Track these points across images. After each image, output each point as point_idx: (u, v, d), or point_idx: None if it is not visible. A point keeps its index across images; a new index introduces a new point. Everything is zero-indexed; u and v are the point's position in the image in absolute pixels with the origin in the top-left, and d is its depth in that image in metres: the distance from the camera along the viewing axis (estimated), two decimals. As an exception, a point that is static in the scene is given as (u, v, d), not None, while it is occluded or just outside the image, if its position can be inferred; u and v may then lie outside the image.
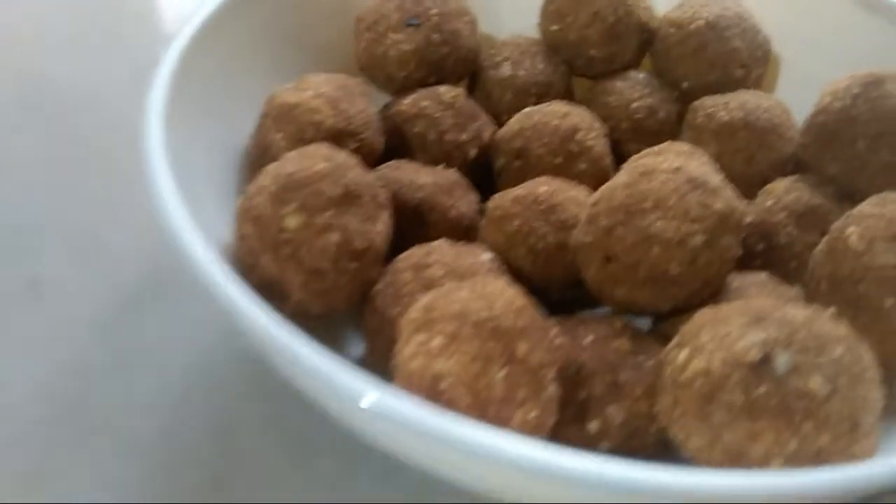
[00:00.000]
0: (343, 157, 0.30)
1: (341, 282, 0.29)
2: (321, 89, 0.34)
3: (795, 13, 0.42)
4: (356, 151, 0.34)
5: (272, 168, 0.29)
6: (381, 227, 0.30)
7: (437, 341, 0.24)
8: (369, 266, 0.30)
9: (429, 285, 0.29)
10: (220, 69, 0.36)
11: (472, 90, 0.44)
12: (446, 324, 0.24)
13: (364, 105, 0.36)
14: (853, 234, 0.28)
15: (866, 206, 0.29)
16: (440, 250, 0.31)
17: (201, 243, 0.25)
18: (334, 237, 0.28)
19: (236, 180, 0.35)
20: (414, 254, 0.30)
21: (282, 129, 0.33)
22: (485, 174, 0.40)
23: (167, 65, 0.31)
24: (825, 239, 0.30)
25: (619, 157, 0.40)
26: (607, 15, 0.41)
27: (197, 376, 0.35)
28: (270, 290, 0.30)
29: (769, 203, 0.34)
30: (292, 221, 0.28)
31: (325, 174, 0.29)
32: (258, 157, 0.35)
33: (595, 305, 0.36)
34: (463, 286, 0.26)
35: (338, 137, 0.33)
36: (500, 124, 0.41)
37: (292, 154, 0.30)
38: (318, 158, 0.29)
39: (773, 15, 0.42)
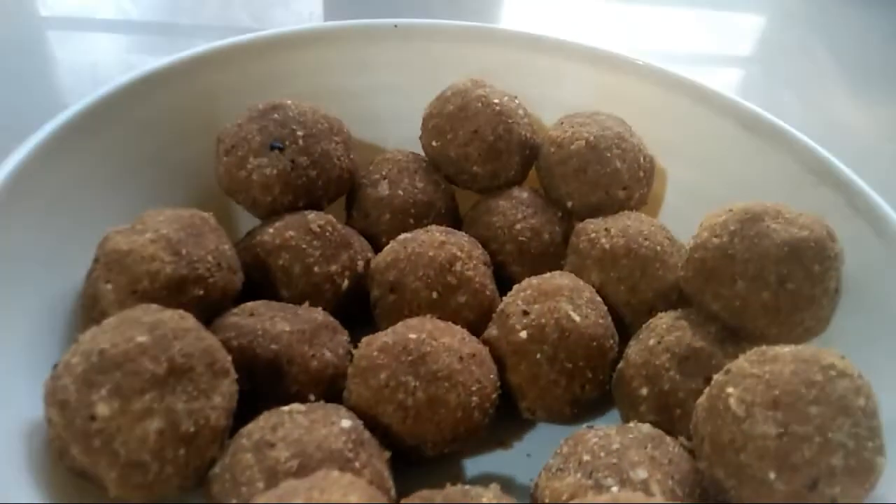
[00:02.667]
0: (173, 322, 0.26)
1: (166, 472, 0.25)
2: (161, 230, 0.30)
3: (680, 130, 0.42)
4: (203, 298, 0.31)
5: (84, 340, 0.25)
6: (218, 401, 0.26)
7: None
8: (203, 449, 0.26)
9: (271, 472, 0.25)
10: (55, 200, 0.32)
11: (349, 208, 0.41)
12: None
13: (215, 243, 0.32)
14: (732, 396, 0.26)
15: (745, 364, 0.27)
16: (291, 421, 0.27)
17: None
18: (155, 424, 0.24)
19: (67, 335, 0.31)
20: (259, 426, 0.27)
21: (112, 280, 0.29)
22: (363, 302, 0.37)
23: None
24: (706, 392, 0.28)
25: (503, 280, 0.38)
26: (487, 133, 0.39)
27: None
28: (87, 478, 0.26)
29: (651, 342, 0.32)
30: (104, 409, 0.24)
31: (146, 349, 0.25)
32: (88, 309, 0.30)
33: (475, 454, 0.34)
34: (299, 491, 0.22)
35: (179, 286, 0.30)
36: (380, 246, 0.38)
37: (111, 321, 0.26)
38: (139, 328, 0.25)
39: (658, 131, 0.42)
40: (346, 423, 0.28)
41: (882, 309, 0.33)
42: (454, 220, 0.41)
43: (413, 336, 0.31)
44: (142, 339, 0.25)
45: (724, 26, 0.87)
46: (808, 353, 0.27)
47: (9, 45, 0.65)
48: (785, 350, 0.27)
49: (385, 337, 0.31)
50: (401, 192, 0.39)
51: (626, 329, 0.36)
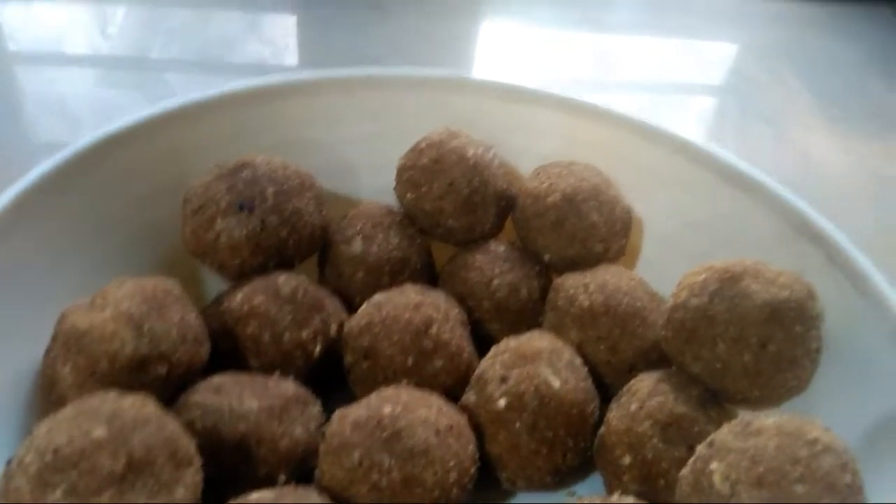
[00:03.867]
0: (133, 410, 0.25)
1: (125, 576, 0.23)
2: (122, 306, 0.29)
3: (657, 180, 0.41)
4: (167, 376, 0.30)
5: (39, 435, 0.24)
6: (181, 493, 0.25)
7: None
8: (165, 546, 0.24)
9: (238, 570, 0.24)
10: (15, 269, 0.31)
11: (322, 265, 0.40)
12: None
13: (180, 313, 0.31)
14: (717, 472, 0.26)
15: (729, 436, 0.26)
16: (259, 509, 0.26)
17: None
18: (113, 526, 0.23)
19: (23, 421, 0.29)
20: (226, 518, 0.26)
21: (70, 360, 0.28)
22: (337, 366, 0.36)
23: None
24: (690, 464, 0.28)
25: (481, 338, 0.37)
26: (462, 187, 0.38)
27: None
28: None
29: (633, 407, 0.32)
30: (58, 511, 0.22)
31: (103, 444, 0.24)
32: (46, 391, 0.29)
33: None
34: None
35: (141, 365, 0.29)
36: (353, 306, 0.37)
37: (68, 412, 0.25)
38: (96, 419, 0.24)
39: (635, 181, 0.41)
40: (318, 509, 0.27)
41: (862, 366, 0.33)
42: (430, 275, 0.40)
43: (388, 410, 0.30)
44: (99, 433, 0.24)
45: (695, 55, 0.88)
46: (793, 425, 0.26)
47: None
48: (769, 422, 0.26)
49: (358, 410, 0.30)
50: (375, 249, 0.38)
51: (606, 389, 0.35)
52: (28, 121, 0.63)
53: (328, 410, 0.32)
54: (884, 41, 0.90)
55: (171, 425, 0.26)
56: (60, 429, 0.24)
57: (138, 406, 0.25)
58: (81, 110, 0.64)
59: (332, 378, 0.35)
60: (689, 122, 0.77)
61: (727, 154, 0.40)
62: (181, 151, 0.38)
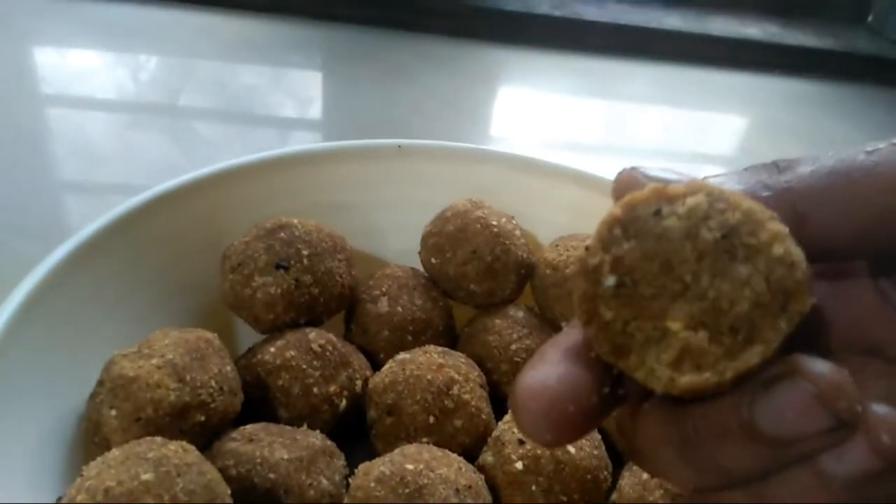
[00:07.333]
0: (176, 457, 0.27)
1: None
2: (167, 355, 0.31)
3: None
4: (204, 423, 0.31)
5: (90, 476, 0.26)
6: (218, 538, 0.26)
7: None
8: (200, 590, 0.26)
9: None
10: (63, 321, 0.33)
11: (348, 322, 0.42)
12: None
13: (218, 365, 0.33)
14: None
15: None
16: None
17: None
18: (156, 567, 0.24)
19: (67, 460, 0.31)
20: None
21: (116, 406, 0.30)
22: (360, 420, 0.37)
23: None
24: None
25: (498, 400, 0.39)
26: (485, 254, 0.41)
27: None
28: None
29: (645, 476, 0.33)
30: (106, 551, 0.24)
31: (150, 487, 0.25)
32: (90, 433, 0.31)
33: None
34: None
35: (182, 413, 0.30)
36: (377, 361, 0.39)
37: (117, 456, 0.26)
38: (144, 464, 0.26)
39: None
40: (343, 564, 0.28)
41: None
42: (450, 337, 0.42)
43: (410, 467, 0.31)
44: (146, 476, 0.25)
45: (705, 126, 0.92)
46: None
47: (8, 122, 0.66)
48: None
49: (382, 466, 0.32)
50: (400, 309, 0.40)
51: (619, 456, 0.36)
52: (56, 160, 0.65)
53: (349, 463, 0.34)
54: (891, 124, 0.94)
55: (211, 472, 0.28)
56: (111, 471, 0.26)
57: (181, 453, 0.27)
58: (108, 152, 0.67)
59: (353, 431, 0.37)
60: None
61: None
62: (220, 211, 0.41)
